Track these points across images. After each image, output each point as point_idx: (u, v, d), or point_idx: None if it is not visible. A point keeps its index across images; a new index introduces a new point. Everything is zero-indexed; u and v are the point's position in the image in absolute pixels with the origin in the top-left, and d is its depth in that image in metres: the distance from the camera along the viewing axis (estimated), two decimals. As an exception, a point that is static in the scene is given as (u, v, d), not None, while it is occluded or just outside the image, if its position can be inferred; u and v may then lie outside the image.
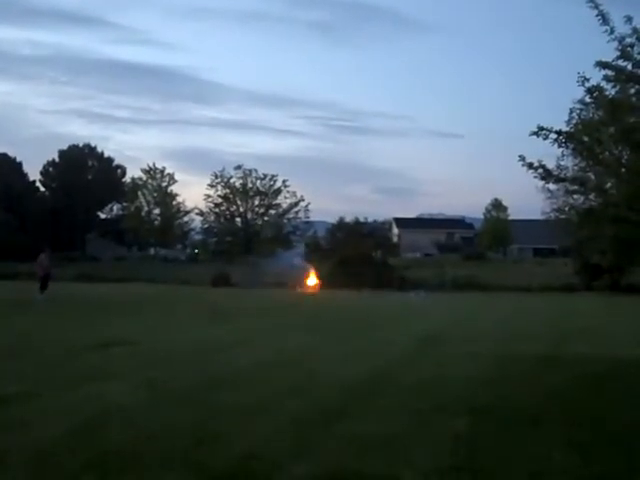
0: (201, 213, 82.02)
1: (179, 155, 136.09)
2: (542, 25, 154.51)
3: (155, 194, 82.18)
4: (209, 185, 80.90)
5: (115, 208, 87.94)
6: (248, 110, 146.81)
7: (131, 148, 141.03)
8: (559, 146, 10.71)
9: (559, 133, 10.54)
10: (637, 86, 10.57)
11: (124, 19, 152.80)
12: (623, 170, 11.46)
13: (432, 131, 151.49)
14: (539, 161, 10.79)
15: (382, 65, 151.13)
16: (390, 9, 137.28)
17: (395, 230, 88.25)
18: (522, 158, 10.69)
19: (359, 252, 49.56)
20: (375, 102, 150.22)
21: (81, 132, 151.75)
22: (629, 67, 10.29)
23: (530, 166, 10.74)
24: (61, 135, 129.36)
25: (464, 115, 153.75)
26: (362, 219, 73.49)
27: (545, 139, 10.44)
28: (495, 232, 77.86)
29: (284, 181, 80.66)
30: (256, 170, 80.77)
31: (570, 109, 11.39)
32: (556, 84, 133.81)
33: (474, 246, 78.87)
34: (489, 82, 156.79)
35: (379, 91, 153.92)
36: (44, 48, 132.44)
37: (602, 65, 10.27)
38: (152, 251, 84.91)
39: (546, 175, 11.01)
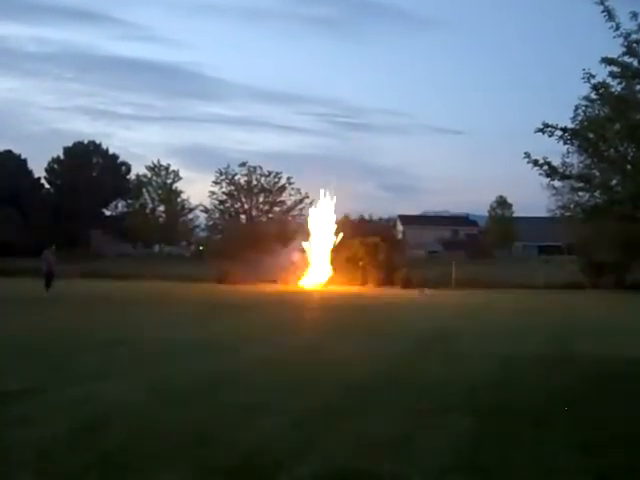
0: (206, 210, 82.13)
1: (184, 152, 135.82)
2: (546, 20, 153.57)
3: (160, 191, 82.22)
4: (214, 182, 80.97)
5: (120, 205, 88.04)
6: (252, 107, 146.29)
7: (136, 145, 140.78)
8: (564, 143, 10.65)
9: (564, 130, 10.47)
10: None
11: (128, 16, 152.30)
12: (629, 167, 11.39)
13: (436, 128, 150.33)
14: (544, 158, 10.73)
15: (385, 61, 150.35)
16: (393, 5, 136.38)
17: (400, 227, 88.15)
18: (527, 155, 10.62)
19: (363, 249, 49.43)
20: (379, 98, 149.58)
21: (86, 129, 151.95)
22: (635, 63, 10.22)
23: (535, 163, 10.67)
24: (66, 132, 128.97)
25: (468, 111, 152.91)
26: (367, 216, 73.33)
27: (550, 136, 10.38)
28: (500, 230, 77.75)
29: (288, 178, 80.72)
30: (261, 167, 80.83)
31: (575, 106, 11.33)
32: (561, 80, 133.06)
33: (479, 243, 78.78)
34: (493, 78, 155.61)
35: (382, 87, 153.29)
36: (49, 45, 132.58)
37: (608, 61, 10.20)
38: (157, 248, 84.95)
39: (551, 172, 10.94)
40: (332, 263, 47.65)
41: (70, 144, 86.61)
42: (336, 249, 48.03)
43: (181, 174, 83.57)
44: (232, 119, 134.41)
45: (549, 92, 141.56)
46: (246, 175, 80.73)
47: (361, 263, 47.30)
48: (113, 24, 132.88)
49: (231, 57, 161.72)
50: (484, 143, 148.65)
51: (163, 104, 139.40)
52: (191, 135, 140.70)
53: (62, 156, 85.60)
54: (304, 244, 48.96)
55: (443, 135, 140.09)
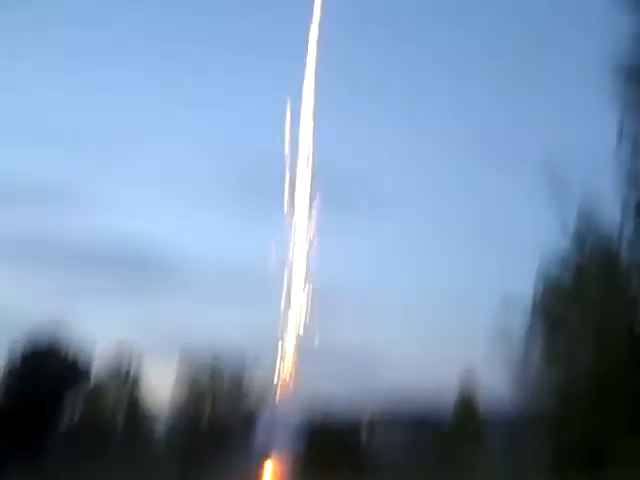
0: (166, 410, 79.95)
1: (148, 333, 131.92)
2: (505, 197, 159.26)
3: (119, 395, 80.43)
4: (176, 372, 79.00)
5: (76, 413, 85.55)
6: (219, 286, 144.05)
7: (98, 327, 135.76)
8: (525, 319, 11.01)
9: (525, 309, 10.87)
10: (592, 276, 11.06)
11: (88, 193, 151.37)
12: (586, 365, 11.63)
13: (398, 305, 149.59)
14: (507, 336, 11.02)
15: (349, 243, 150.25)
16: (359, 188, 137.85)
17: (365, 429, 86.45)
18: (492, 334, 10.88)
19: (327, 454, 48.28)
20: (342, 279, 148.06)
21: (44, 314, 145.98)
22: (580, 258, 10.78)
23: (498, 344, 10.94)
24: (23, 318, 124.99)
25: (436, 282, 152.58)
26: (330, 417, 71.96)
27: (511, 312, 10.76)
28: (465, 431, 76.62)
29: (255, 361, 78.67)
30: (228, 351, 78.88)
31: (533, 290, 11.79)
32: (523, 255, 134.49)
33: (446, 444, 77.16)
34: (450, 249, 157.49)
35: (347, 268, 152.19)
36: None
37: (558, 255, 10.79)
38: (116, 453, 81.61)
39: (514, 352, 11.20)
40: (295, 468, 46.24)
41: (28, 335, 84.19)
42: (298, 453, 46.90)
43: (143, 360, 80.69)
44: (199, 297, 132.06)
45: (511, 263, 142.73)
46: (211, 361, 78.98)
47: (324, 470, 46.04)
48: (75, 201, 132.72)
49: (194, 233, 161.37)
50: (448, 317, 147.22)
51: (127, 284, 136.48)
52: (155, 317, 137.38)
53: (16, 362, 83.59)
54: (269, 443, 47.71)
55: (409, 312, 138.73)
